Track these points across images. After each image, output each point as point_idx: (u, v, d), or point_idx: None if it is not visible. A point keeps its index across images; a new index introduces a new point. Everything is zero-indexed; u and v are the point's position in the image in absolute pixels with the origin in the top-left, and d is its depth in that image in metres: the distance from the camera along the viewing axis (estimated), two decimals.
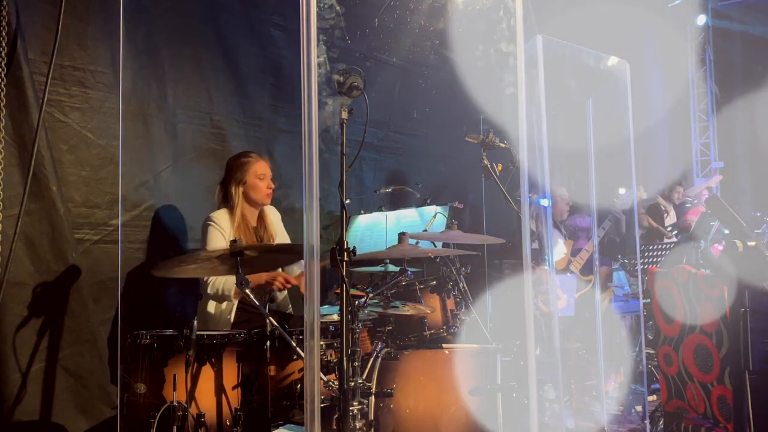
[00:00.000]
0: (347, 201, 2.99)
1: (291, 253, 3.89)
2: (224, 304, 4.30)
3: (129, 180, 4.75)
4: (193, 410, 3.32)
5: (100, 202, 4.57)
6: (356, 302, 3.23)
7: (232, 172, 4.54)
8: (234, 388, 3.49)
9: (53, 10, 4.18)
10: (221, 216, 4.43)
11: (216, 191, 4.61)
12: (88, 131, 4.54)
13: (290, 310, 4.74)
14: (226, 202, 4.53)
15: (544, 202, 4.82)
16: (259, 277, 4.20)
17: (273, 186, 4.64)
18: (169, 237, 5.02)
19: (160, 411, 3.24)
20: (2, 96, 3.93)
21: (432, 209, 5.71)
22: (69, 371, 4.21)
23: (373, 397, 3.47)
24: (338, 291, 3.14)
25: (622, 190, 6.43)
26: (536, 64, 3.96)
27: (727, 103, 12.69)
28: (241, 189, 4.50)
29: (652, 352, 5.35)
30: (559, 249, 6.26)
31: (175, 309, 4.89)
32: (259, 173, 4.54)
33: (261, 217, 4.68)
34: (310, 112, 2.36)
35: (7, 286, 3.87)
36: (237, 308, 4.34)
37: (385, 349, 3.76)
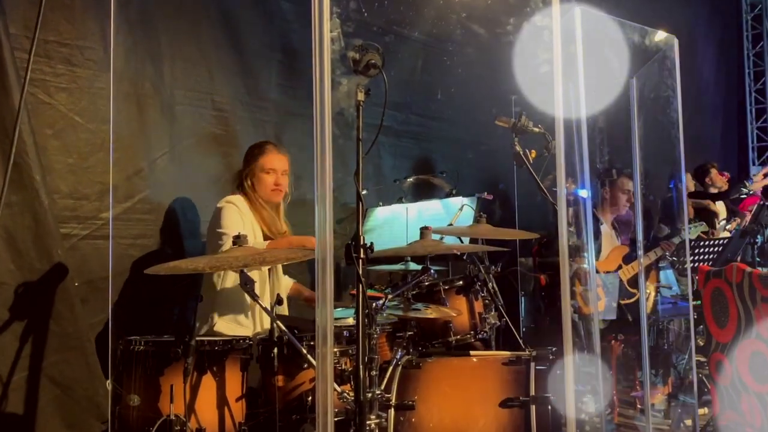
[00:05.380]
0: (364, 192, 2.98)
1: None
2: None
3: (121, 168, 4.76)
4: (192, 424, 3.30)
5: (88, 193, 4.57)
6: (374, 304, 3.21)
7: (245, 161, 4.61)
8: (238, 400, 3.48)
9: None
10: (239, 199, 4.46)
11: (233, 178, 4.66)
12: (76, 114, 4.53)
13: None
14: (240, 190, 4.56)
15: (583, 193, 4.77)
16: (289, 242, 4.33)
17: (282, 182, 4.60)
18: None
19: (156, 425, 3.22)
20: None
21: (458, 201, 5.72)
22: (54, 381, 4.19)
23: (392, 410, 3.47)
24: (354, 292, 3.13)
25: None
26: (574, 39, 3.92)
27: None
28: (249, 181, 4.54)
29: (703, 359, 5.30)
30: (607, 247, 6.19)
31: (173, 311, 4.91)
32: (267, 167, 4.54)
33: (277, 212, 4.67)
34: (323, 92, 2.35)
35: None
36: None
37: (406, 357, 3.77)
